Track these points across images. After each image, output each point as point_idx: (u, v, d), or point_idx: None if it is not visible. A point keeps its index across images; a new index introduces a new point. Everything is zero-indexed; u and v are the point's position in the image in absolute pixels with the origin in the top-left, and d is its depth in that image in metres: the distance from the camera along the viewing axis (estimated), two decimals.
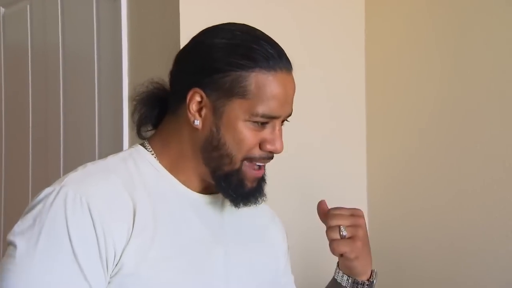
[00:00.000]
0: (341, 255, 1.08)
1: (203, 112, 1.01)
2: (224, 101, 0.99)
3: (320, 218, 1.10)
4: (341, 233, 1.06)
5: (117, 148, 1.74)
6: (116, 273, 0.94)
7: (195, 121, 1.01)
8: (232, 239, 1.09)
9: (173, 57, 1.07)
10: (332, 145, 1.86)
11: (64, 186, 0.95)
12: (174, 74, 1.07)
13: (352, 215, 1.08)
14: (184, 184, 1.05)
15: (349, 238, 1.06)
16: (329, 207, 1.10)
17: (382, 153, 1.89)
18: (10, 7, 2.34)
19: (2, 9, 2.38)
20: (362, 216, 1.09)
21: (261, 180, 1.06)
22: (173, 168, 1.05)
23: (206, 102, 1.00)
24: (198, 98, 1.01)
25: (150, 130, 1.10)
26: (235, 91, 0.99)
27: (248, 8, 1.67)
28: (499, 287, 1.57)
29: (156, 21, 1.67)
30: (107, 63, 1.85)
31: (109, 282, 0.95)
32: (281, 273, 1.19)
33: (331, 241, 1.07)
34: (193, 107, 1.01)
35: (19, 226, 0.94)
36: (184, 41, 1.08)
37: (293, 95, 1.04)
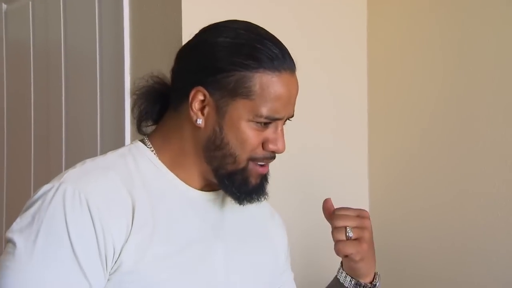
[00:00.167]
0: (345, 256, 1.07)
1: (206, 111, 1.00)
2: (227, 100, 0.99)
3: (325, 217, 1.10)
4: (347, 234, 1.05)
5: (119, 145, 1.73)
6: (115, 271, 0.94)
7: (198, 119, 1.00)
8: (232, 236, 1.09)
9: (175, 54, 1.07)
10: (334, 144, 1.85)
11: (63, 183, 0.95)
12: (176, 71, 1.06)
13: (359, 216, 1.07)
14: (184, 181, 1.04)
15: (355, 239, 1.05)
16: (332, 205, 1.10)
17: (383, 152, 1.88)
18: (12, 3, 2.34)
19: (4, 6, 2.38)
20: (368, 218, 1.08)
21: (264, 178, 1.06)
22: (173, 165, 1.04)
23: (209, 101, 1.00)
24: (201, 97, 1.00)
25: (150, 126, 1.09)
26: (239, 91, 0.98)
27: (250, 6, 1.66)
28: (501, 286, 1.57)
29: (158, 17, 1.67)
30: (109, 60, 1.85)
31: (108, 280, 0.95)
32: (281, 270, 1.19)
33: (337, 242, 1.06)
34: (196, 105, 1.00)
35: (18, 224, 0.93)
36: (186, 37, 1.07)
37: (297, 95, 1.04)
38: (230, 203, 1.08)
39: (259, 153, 1.02)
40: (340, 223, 1.06)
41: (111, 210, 0.94)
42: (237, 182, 1.02)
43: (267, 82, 0.98)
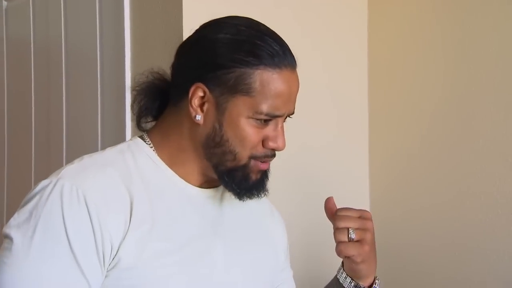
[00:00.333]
0: (347, 258, 1.07)
1: (205, 107, 1.00)
2: (227, 97, 0.98)
3: (327, 216, 1.09)
4: (349, 236, 1.04)
5: (119, 142, 1.71)
6: (113, 267, 0.94)
7: (197, 116, 1.00)
8: (231, 233, 1.08)
9: (175, 51, 1.06)
10: (334, 143, 1.85)
11: (60, 178, 0.94)
12: (176, 67, 1.05)
13: (361, 217, 1.06)
14: (183, 178, 1.04)
15: (357, 241, 1.05)
16: (334, 204, 1.09)
17: (384, 151, 1.88)
18: (13, 0, 2.33)
19: (5, 3, 2.37)
20: (370, 219, 1.08)
21: (264, 174, 1.05)
22: (172, 162, 1.04)
23: (209, 97, 0.99)
24: (200, 93, 1.00)
25: (150, 122, 1.09)
26: (239, 88, 0.98)
27: (250, 5, 1.66)
28: (501, 285, 1.57)
29: (159, 14, 1.67)
30: (110, 57, 1.85)
31: (106, 276, 0.94)
32: (280, 267, 1.19)
33: (339, 243, 1.05)
34: (195, 102, 1.00)
35: (15, 219, 0.93)
36: (186, 34, 1.07)
37: (297, 92, 1.03)
38: (229, 200, 1.08)
39: (260, 150, 1.01)
40: (342, 224, 1.05)
41: (109, 206, 0.94)
42: (238, 178, 1.01)
43: (268, 79, 0.98)
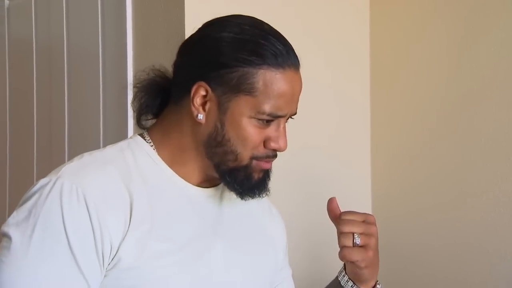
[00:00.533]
0: (351, 262, 1.06)
1: (207, 106, 0.99)
2: (230, 96, 0.98)
3: (330, 218, 1.08)
4: (354, 241, 1.03)
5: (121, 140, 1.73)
6: (113, 267, 0.93)
7: (199, 115, 0.99)
8: (230, 232, 1.08)
9: (177, 49, 1.06)
10: (337, 143, 1.85)
11: (60, 177, 0.94)
12: (178, 65, 1.05)
13: (365, 222, 1.05)
14: (183, 177, 1.03)
15: (361, 246, 1.04)
16: (337, 205, 1.09)
17: (386, 150, 1.88)
18: None
19: (7, 2, 2.37)
20: (374, 224, 1.07)
21: (266, 174, 1.04)
22: (172, 161, 1.03)
23: (211, 96, 0.99)
24: (203, 92, 0.99)
25: (150, 119, 1.08)
26: (242, 88, 0.97)
27: (253, 5, 1.65)
28: (503, 284, 1.57)
29: (161, 13, 1.67)
30: (112, 55, 1.85)
31: (105, 275, 0.94)
32: (279, 266, 1.18)
33: (343, 248, 1.04)
34: (197, 101, 0.99)
35: (14, 218, 0.92)
36: (189, 33, 1.06)
37: (300, 92, 1.02)
38: (229, 199, 1.07)
39: (261, 151, 1.00)
40: (347, 228, 1.04)
41: (108, 205, 0.93)
42: (239, 178, 1.01)
43: (271, 79, 0.97)
